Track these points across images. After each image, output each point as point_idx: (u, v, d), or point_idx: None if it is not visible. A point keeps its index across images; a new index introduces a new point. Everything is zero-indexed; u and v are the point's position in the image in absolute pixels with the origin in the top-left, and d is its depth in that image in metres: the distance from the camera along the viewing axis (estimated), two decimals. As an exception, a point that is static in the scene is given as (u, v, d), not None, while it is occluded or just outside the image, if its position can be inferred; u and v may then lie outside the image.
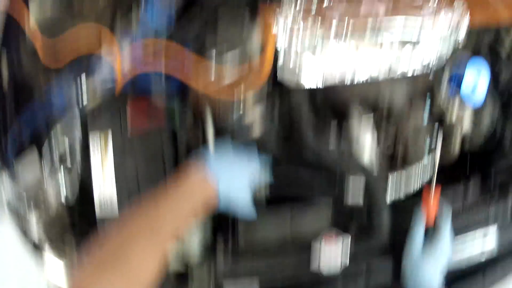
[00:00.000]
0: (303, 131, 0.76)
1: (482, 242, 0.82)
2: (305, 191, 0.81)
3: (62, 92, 0.81)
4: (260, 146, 0.77)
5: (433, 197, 0.76)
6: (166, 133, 0.74)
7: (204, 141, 0.79)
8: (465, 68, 0.80)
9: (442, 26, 0.75)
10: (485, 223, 0.84)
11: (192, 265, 0.75)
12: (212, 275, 0.74)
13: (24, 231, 0.81)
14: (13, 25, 0.86)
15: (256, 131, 0.77)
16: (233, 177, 0.64)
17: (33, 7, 0.85)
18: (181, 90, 0.79)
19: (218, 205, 0.63)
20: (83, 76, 0.79)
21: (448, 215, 0.76)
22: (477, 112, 0.88)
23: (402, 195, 0.84)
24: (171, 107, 0.78)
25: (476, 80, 0.79)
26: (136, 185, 0.74)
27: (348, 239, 0.75)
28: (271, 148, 0.78)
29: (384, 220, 0.76)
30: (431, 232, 0.75)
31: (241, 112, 0.74)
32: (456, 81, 0.79)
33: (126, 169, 0.74)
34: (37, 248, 0.83)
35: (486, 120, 0.89)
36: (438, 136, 0.83)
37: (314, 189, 0.80)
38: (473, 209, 0.85)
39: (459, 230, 0.80)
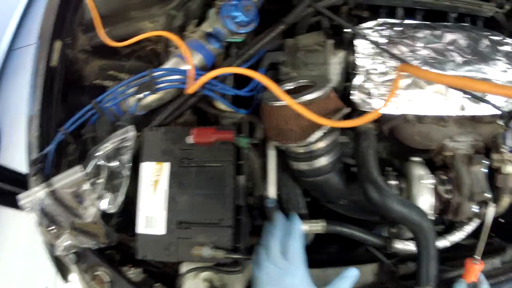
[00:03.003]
0: (369, 170, 0.73)
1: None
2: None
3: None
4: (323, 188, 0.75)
5: (478, 262, 0.73)
6: (230, 164, 0.71)
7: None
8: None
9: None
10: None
11: None
12: None
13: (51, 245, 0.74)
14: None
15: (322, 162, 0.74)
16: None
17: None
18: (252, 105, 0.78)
19: None
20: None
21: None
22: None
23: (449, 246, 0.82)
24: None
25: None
26: (190, 212, 0.72)
27: None
28: (335, 189, 0.75)
29: (433, 271, 0.72)
30: None
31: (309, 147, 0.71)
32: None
33: (182, 198, 0.72)
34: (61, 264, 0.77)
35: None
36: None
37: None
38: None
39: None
